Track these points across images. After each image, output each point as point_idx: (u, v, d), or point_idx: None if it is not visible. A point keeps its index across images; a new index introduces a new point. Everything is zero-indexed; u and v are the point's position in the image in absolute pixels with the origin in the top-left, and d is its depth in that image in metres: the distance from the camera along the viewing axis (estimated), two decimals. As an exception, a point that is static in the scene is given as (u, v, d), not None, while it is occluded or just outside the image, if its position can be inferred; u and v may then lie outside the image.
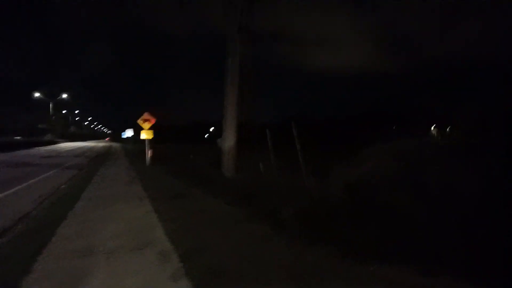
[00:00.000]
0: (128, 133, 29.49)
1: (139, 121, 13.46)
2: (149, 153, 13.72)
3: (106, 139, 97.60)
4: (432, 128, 22.59)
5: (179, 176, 9.32)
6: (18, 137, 33.93)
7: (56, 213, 5.37)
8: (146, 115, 13.43)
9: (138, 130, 15.91)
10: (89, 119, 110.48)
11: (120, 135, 44.12)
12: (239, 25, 7.43)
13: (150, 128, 13.53)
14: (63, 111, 66.66)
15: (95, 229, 4.31)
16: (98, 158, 20.19)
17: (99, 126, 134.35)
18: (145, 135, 13.48)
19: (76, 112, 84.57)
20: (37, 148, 32.69)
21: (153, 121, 13.52)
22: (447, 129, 18.81)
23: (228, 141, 8.29)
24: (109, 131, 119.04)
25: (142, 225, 4.49)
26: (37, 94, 46.39)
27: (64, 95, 53.14)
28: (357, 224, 3.60)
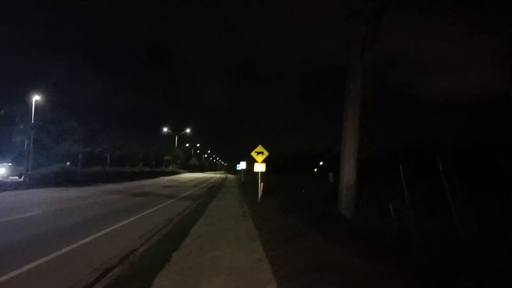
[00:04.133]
0: (242, 165, 31.28)
1: (253, 154, 13.68)
2: (261, 186, 13.87)
3: (223, 170, 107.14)
4: None
5: (292, 212, 8.81)
6: (147, 169, 39.98)
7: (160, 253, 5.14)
8: (259, 148, 13.65)
9: (251, 162, 16.45)
10: (208, 151, 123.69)
11: (235, 167, 47.63)
12: (362, 47, 6.78)
13: (263, 161, 13.68)
14: (186, 144, 75.88)
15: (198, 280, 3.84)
16: (213, 189, 21.77)
17: (217, 159, 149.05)
18: (258, 167, 13.62)
19: (197, 145, 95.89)
20: (161, 177, 37.51)
21: (266, 154, 13.68)
22: None
23: (348, 176, 7.40)
24: (226, 163, 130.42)
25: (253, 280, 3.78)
26: (165, 129, 55.00)
27: (187, 130, 61.49)
28: None
